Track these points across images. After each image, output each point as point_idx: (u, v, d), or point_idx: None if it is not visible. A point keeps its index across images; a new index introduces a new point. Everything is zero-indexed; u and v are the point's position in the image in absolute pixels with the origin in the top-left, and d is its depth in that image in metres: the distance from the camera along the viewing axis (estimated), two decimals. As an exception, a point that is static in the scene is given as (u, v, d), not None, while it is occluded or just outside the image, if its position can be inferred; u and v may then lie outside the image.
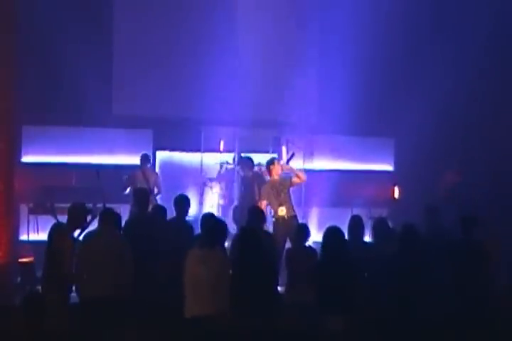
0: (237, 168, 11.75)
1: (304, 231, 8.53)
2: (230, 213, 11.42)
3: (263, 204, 10.00)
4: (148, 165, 11.75)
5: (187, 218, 8.73)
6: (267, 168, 10.43)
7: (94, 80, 11.74)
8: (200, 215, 8.72)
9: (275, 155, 11.24)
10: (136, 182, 11.31)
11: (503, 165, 12.40)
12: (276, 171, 10.31)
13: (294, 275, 8.16)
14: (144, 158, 11.69)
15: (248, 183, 11.29)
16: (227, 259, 7.01)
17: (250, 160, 11.53)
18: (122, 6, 12.69)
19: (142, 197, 8.92)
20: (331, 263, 7.21)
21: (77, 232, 7.72)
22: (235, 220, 10.95)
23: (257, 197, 10.68)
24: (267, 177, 10.53)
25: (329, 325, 6.29)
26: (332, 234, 7.43)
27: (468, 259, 8.09)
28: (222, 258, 6.95)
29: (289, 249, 8.88)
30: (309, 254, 8.38)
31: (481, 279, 8.05)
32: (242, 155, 11.76)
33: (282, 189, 10.16)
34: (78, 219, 7.76)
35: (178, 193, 9.00)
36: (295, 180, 10.30)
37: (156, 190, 11.53)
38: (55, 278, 7.46)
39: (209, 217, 7.93)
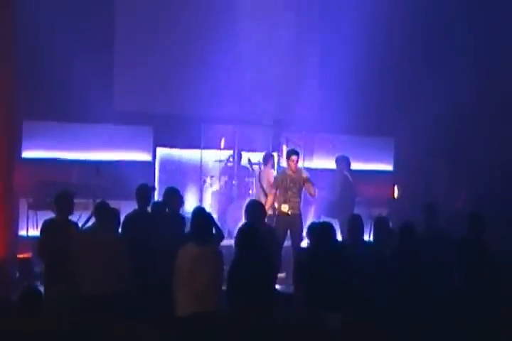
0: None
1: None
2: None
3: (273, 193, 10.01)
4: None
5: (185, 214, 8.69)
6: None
7: (95, 76, 11.75)
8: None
9: (294, 148, 10.93)
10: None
11: (505, 164, 12.40)
12: (289, 166, 10.13)
13: None
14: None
15: None
16: (222, 255, 7.01)
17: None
18: (123, 4, 12.71)
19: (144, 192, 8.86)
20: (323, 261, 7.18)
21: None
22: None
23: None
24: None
25: (328, 322, 6.28)
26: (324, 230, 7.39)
27: (479, 259, 8.03)
28: (219, 255, 6.96)
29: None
30: None
31: (486, 279, 8.04)
32: None
33: (292, 187, 9.99)
34: (67, 205, 7.82)
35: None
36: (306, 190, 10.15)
37: None
38: (64, 272, 7.49)
39: (198, 211, 7.66)
